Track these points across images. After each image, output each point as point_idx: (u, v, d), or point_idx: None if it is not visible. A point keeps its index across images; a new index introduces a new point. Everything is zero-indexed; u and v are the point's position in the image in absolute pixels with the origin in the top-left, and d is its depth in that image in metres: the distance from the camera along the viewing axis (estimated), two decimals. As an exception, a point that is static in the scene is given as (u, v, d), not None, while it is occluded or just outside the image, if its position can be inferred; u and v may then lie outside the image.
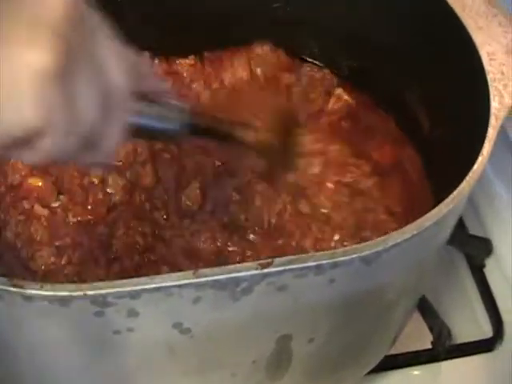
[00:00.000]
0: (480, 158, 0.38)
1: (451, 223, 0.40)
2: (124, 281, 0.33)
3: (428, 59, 0.50)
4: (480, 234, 0.59)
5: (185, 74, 0.61)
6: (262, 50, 0.60)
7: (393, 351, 0.51)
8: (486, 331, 0.55)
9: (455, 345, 0.54)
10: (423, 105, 0.52)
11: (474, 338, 0.55)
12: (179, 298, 0.34)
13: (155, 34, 0.60)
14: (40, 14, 0.29)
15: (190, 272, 0.34)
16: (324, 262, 0.34)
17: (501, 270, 0.57)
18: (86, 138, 0.30)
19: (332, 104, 0.58)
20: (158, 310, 0.35)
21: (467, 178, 0.37)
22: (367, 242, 0.34)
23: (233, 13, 0.59)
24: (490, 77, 0.43)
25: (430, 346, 0.54)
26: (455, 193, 0.37)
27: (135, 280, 0.33)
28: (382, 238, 0.35)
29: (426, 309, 0.54)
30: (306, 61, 0.60)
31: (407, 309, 0.45)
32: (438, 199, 0.38)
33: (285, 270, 0.34)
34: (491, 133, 0.40)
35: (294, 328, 0.39)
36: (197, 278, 0.34)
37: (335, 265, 0.34)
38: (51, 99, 0.28)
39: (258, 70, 0.60)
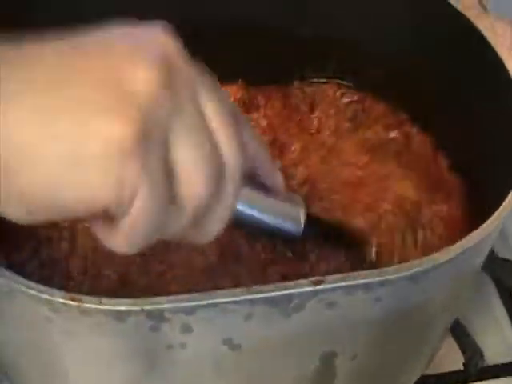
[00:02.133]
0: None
1: (490, 243, 0.41)
2: (180, 296, 0.34)
3: (470, 88, 0.52)
4: (507, 257, 0.60)
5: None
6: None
7: (426, 372, 0.52)
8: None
9: (487, 366, 0.55)
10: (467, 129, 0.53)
11: (504, 360, 0.55)
12: (232, 314, 0.35)
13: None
14: (126, 78, 0.26)
15: (245, 289, 0.34)
16: (373, 280, 0.35)
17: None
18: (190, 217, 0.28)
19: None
20: (211, 326, 0.36)
21: (509, 197, 0.38)
22: (415, 261, 0.35)
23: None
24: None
25: (461, 368, 0.54)
26: (496, 214, 0.38)
27: (191, 296, 0.34)
28: (431, 256, 0.36)
29: (458, 330, 0.54)
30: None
31: (445, 327, 0.46)
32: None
33: (336, 288, 0.35)
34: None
35: (339, 345, 0.39)
36: (251, 294, 0.34)
37: (383, 284, 0.35)
38: (125, 173, 0.26)
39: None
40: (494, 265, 0.59)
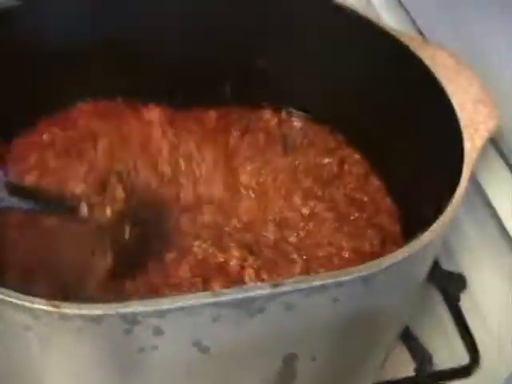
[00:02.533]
0: (458, 190, 0.43)
1: (432, 252, 0.45)
2: (151, 300, 0.37)
3: (409, 113, 0.56)
4: (452, 269, 0.64)
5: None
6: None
7: (379, 379, 0.55)
8: (463, 359, 0.59)
9: (437, 371, 0.59)
10: (404, 152, 0.57)
11: (452, 365, 0.59)
12: (199, 316, 0.38)
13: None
14: None
15: (209, 292, 0.38)
16: (329, 281, 0.39)
17: (474, 303, 0.61)
18: None
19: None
20: (180, 329, 0.39)
21: (453, 200, 0.42)
22: (366, 263, 0.39)
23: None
24: (462, 123, 0.49)
25: (412, 373, 0.58)
26: (441, 218, 0.42)
27: (161, 299, 0.37)
28: (379, 260, 0.39)
29: (408, 337, 0.58)
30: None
31: (396, 332, 0.50)
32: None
33: (293, 290, 0.38)
34: (465, 171, 0.46)
35: (299, 347, 0.43)
36: (216, 297, 0.38)
37: (339, 284, 0.39)
38: None
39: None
40: (440, 277, 0.63)
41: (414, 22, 0.69)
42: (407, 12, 0.70)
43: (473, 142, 0.47)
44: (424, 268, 0.46)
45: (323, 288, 0.39)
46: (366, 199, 0.59)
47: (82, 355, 0.40)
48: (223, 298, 0.38)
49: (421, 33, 0.67)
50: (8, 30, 0.57)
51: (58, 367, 0.41)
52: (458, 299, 0.63)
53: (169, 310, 0.37)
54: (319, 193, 0.59)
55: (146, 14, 0.61)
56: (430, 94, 0.52)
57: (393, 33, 0.57)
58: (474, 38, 0.57)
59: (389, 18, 0.72)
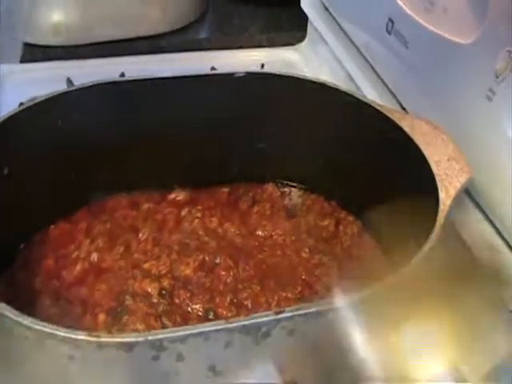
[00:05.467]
0: (432, 236, 0.51)
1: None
2: (176, 328, 0.45)
3: (390, 172, 0.64)
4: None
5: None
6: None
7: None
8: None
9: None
10: (390, 209, 0.65)
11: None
12: (215, 342, 0.45)
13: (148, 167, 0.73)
14: None
15: (223, 320, 0.45)
16: (323, 308, 0.46)
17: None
18: None
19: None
20: (198, 355, 0.46)
21: (429, 239, 0.50)
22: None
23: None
24: (437, 178, 0.57)
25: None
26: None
27: (184, 327, 0.45)
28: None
29: None
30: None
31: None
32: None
33: (293, 316, 0.46)
34: (440, 216, 0.53)
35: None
36: (229, 324, 0.45)
37: (332, 310, 0.46)
38: None
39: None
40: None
41: (393, 95, 0.77)
42: (385, 83, 0.80)
43: (447, 193, 0.55)
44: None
45: (318, 314, 0.46)
46: (361, 253, 0.67)
47: (115, 380, 0.47)
48: (234, 324, 0.45)
49: (400, 104, 0.76)
50: (47, 123, 0.66)
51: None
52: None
53: (190, 335, 0.44)
54: (322, 247, 0.67)
55: (167, 113, 0.71)
56: (410, 157, 0.61)
57: (376, 107, 0.65)
58: (451, 109, 0.65)
59: (368, 89, 0.81)
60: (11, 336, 0.47)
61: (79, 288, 0.64)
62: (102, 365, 0.46)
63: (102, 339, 0.44)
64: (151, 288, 0.63)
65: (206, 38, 1.18)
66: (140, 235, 0.69)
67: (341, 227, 0.70)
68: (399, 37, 0.74)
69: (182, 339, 0.44)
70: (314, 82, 0.70)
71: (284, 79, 0.71)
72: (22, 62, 1.11)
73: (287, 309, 0.45)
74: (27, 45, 1.13)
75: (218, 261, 0.66)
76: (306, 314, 0.46)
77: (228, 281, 0.64)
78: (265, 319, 0.45)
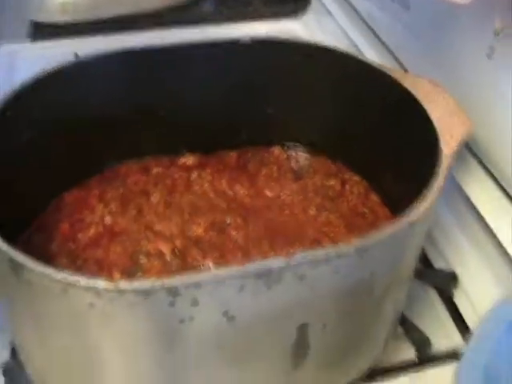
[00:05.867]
0: (436, 183, 0.53)
1: (423, 228, 0.54)
2: (191, 273, 0.47)
3: (393, 131, 0.66)
4: (442, 267, 0.73)
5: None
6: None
7: (382, 365, 0.64)
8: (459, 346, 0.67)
9: (436, 354, 0.66)
10: (394, 166, 0.67)
11: (449, 349, 0.67)
12: (229, 287, 0.48)
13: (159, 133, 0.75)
14: None
15: (237, 265, 0.47)
16: (330, 252, 0.48)
17: (467, 296, 0.70)
18: None
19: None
20: (213, 299, 0.48)
21: (432, 188, 0.52)
22: (359, 239, 0.49)
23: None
24: (439, 132, 0.59)
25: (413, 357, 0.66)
26: (421, 204, 0.52)
27: (199, 273, 0.47)
28: (371, 234, 0.49)
29: (407, 325, 0.66)
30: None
31: (394, 307, 0.58)
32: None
33: (302, 262, 0.48)
34: (443, 166, 0.55)
35: (310, 316, 0.51)
36: (242, 268, 0.47)
37: (338, 255, 0.48)
38: None
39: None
40: (433, 276, 0.73)
41: (395, 58, 0.79)
42: (388, 48, 0.81)
43: (449, 145, 0.57)
44: (411, 246, 0.55)
45: (327, 259, 0.48)
46: (366, 211, 0.68)
47: (133, 328, 0.48)
48: (247, 269, 0.47)
49: (402, 66, 0.77)
50: (58, 90, 0.68)
51: (113, 341, 0.50)
52: (451, 295, 0.71)
53: (205, 280, 0.47)
54: (328, 206, 0.69)
55: (176, 81, 0.73)
56: (412, 114, 0.62)
57: (378, 67, 0.67)
58: (450, 65, 0.67)
59: (372, 55, 0.83)
60: (34, 288, 0.49)
61: (95, 249, 0.66)
62: (121, 312, 0.48)
63: (121, 286, 0.46)
64: (164, 248, 0.65)
65: (210, 12, 1.20)
66: (152, 199, 0.71)
67: (347, 187, 0.72)
68: (401, 1, 0.76)
69: (197, 284, 0.46)
70: (318, 46, 0.72)
71: (288, 44, 0.73)
72: (31, 40, 1.13)
73: (297, 254, 0.47)
74: (36, 23, 1.15)
75: (228, 221, 0.68)
76: (315, 259, 0.47)
77: (238, 239, 0.66)
78: (276, 264, 0.47)
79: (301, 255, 0.47)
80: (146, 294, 0.46)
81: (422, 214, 0.52)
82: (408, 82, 0.65)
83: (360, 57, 0.70)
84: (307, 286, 0.49)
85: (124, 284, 0.46)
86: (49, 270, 0.47)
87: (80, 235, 0.68)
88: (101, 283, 0.46)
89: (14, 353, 0.64)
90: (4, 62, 1.07)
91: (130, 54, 0.71)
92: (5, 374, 0.63)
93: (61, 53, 0.67)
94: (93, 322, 0.49)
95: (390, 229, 0.50)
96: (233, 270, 0.47)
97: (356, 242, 0.48)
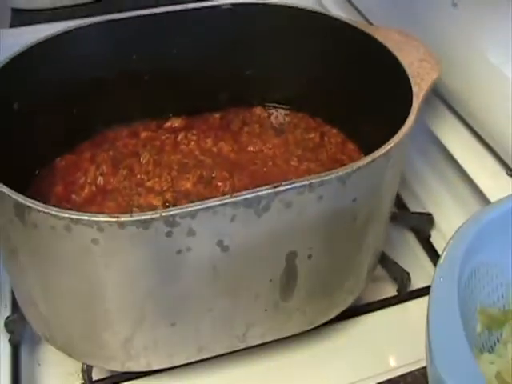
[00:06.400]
0: (409, 117, 0.57)
1: (397, 160, 0.58)
2: (187, 204, 0.51)
3: (367, 82, 0.70)
4: (418, 210, 0.78)
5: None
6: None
7: (365, 301, 0.68)
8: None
9: (416, 289, 0.71)
10: (370, 113, 0.71)
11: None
12: (222, 216, 0.51)
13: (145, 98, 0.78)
14: None
15: (229, 195, 0.51)
16: (314, 181, 0.52)
17: (443, 235, 0.75)
18: None
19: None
20: (207, 229, 0.52)
21: (405, 123, 0.56)
22: (342, 167, 0.53)
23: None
24: (410, 76, 0.63)
25: (395, 293, 0.71)
26: (396, 136, 0.56)
27: (193, 204, 0.51)
28: (351, 164, 0.53)
29: (387, 262, 0.71)
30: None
31: (375, 241, 0.62)
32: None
33: (289, 189, 0.52)
34: (415, 106, 0.60)
35: (297, 244, 0.55)
36: (234, 198, 0.51)
37: (321, 183, 0.52)
38: None
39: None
40: (410, 219, 0.77)
41: (364, 17, 0.83)
42: (356, 8, 0.86)
43: (420, 87, 0.61)
44: (387, 176, 0.58)
45: (311, 186, 0.52)
46: (344, 158, 0.73)
47: (133, 260, 0.52)
48: (238, 198, 0.51)
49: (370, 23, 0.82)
50: (47, 60, 0.71)
51: (116, 273, 0.53)
52: (428, 236, 0.75)
53: (200, 210, 0.50)
54: (309, 156, 0.73)
55: (160, 47, 0.77)
56: (384, 62, 0.67)
57: (350, 22, 0.71)
58: (417, 17, 0.71)
59: (338, 11, 0.88)
60: (39, 230, 0.52)
61: (89, 207, 0.70)
62: (122, 245, 0.51)
63: (122, 219, 0.49)
64: (156, 201, 0.69)
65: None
66: (141, 159, 0.75)
67: (325, 138, 0.76)
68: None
69: (193, 214, 0.50)
70: (291, 7, 0.75)
71: (263, 7, 0.77)
72: (11, 26, 1.15)
73: (283, 183, 0.51)
74: (15, 10, 1.17)
75: (214, 175, 0.72)
76: (300, 186, 0.51)
77: (225, 190, 0.70)
78: (264, 192, 0.51)
79: (287, 183, 0.51)
80: (146, 225, 0.50)
81: (396, 145, 0.56)
82: (379, 34, 0.69)
83: (332, 15, 0.74)
84: (294, 213, 0.53)
85: (125, 217, 0.49)
86: (54, 210, 0.50)
87: (74, 196, 0.71)
88: (103, 218, 0.49)
89: (14, 309, 0.67)
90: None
91: (116, 22, 0.75)
92: (8, 329, 0.65)
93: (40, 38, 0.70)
94: (96, 257, 0.52)
95: (368, 158, 0.53)
96: (224, 199, 0.50)
97: (338, 171, 0.52)
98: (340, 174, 0.52)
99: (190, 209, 0.50)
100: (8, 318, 0.66)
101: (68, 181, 0.73)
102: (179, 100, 0.80)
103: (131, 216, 0.50)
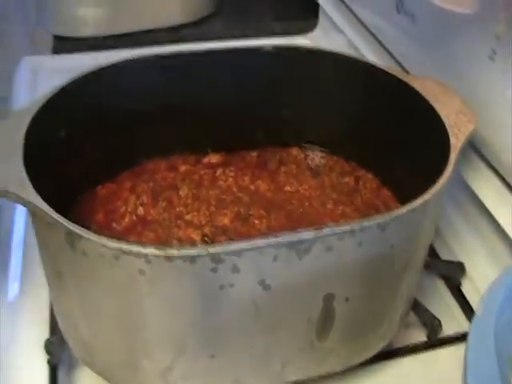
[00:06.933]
0: (448, 168, 0.59)
1: (434, 211, 0.59)
2: (233, 241, 0.53)
3: (404, 130, 0.73)
4: (449, 259, 0.79)
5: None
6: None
7: (395, 345, 0.70)
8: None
9: (446, 336, 0.72)
10: (406, 161, 0.73)
11: (458, 334, 0.72)
12: (265, 255, 0.53)
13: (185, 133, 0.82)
14: None
15: (274, 235, 0.53)
16: (355, 227, 0.54)
17: (474, 285, 0.76)
18: None
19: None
20: (251, 268, 0.54)
21: (444, 172, 0.58)
22: (382, 215, 0.55)
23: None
24: (448, 126, 0.65)
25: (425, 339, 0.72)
26: (434, 186, 0.58)
27: (240, 242, 0.53)
28: (390, 212, 0.55)
29: (419, 308, 0.72)
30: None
31: (409, 288, 0.64)
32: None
33: (331, 233, 0.54)
34: (452, 157, 0.62)
35: (335, 287, 0.57)
36: (277, 238, 0.53)
37: (362, 229, 0.54)
38: None
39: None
40: (440, 266, 0.79)
41: (401, 66, 0.86)
42: (394, 57, 0.88)
43: (457, 138, 0.63)
44: (424, 225, 0.60)
45: (352, 232, 0.54)
46: (379, 204, 0.75)
47: (178, 292, 0.54)
48: (281, 239, 0.53)
49: (407, 72, 0.84)
50: (95, 90, 0.74)
51: (159, 303, 0.55)
52: (459, 284, 0.77)
53: (245, 249, 0.52)
54: (344, 200, 0.75)
55: (206, 86, 0.80)
56: (421, 112, 0.69)
57: (388, 70, 0.74)
58: (453, 67, 0.74)
59: (375, 59, 0.91)
60: (88, 257, 0.54)
61: (129, 236, 0.72)
62: (168, 277, 0.53)
63: (170, 252, 0.52)
64: (195, 235, 0.71)
65: (223, 27, 1.26)
66: (180, 192, 0.77)
67: (360, 183, 0.78)
68: (408, 14, 0.83)
69: (238, 252, 0.52)
70: (331, 53, 0.78)
71: (304, 51, 0.80)
72: (53, 53, 1.19)
73: (325, 227, 0.53)
74: (58, 37, 1.21)
75: (251, 212, 0.74)
76: (341, 231, 0.53)
77: (261, 228, 0.73)
78: (306, 235, 0.53)
79: (329, 228, 0.53)
80: (192, 260, 0.52)
81: (434, 195, 0.58)
82: (417, 84, 0.71)
83: (373, 63, 0.76)
84: (334, 257, 0.55)
85: (172, 251, 0.52)
86: (104, 239, 0.52)
87: (114, 224, 0.73)
88: (152, 250, 0.51)
89: (52, 331, 0.69)
90: (27, 75, 1.13)
91: (162, 58, 0.77)
92: (47, 350, 0.68)
93: (81, 66, 0.73)
94: (141, 286, 0.54)
95: (407, 206, 0.55)
96: (269, 239, 0.52)
97: (378, 218, 0.54)
98: (380, 221, 0.54)
99: (235, 247, 0.52)
100: (48, 339, 0.67)
101: (109, 209, 0.75)
102: (218, 136, 0.83)
103: (179, 250, 0.52)
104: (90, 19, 1.22)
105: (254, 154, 0.83)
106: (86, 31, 1.23)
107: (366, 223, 0.54)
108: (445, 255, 0.81)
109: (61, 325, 0.66)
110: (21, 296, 0.75)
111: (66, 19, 1.24)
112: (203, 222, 0.73)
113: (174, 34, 1.26)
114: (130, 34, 1.22)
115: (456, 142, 0.63)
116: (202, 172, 0.80)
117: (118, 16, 1.23)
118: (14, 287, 0.76)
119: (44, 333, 0.70)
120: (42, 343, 0.68)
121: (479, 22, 0.67)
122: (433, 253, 0.80)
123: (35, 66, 1.16)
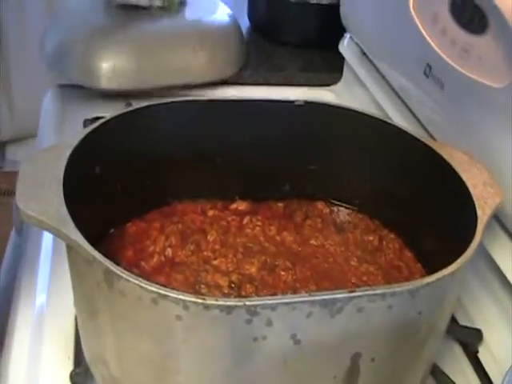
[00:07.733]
0: (475, 240, 0.62)
1: (459, 279, 0.62)
2: (269, 296, 0.55)
3: (430, 196, 0.75)
4: (467, 324, 0.81)
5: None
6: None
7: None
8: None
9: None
10: (430, 227, 0.75)
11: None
12: (299, 312, 0.55)
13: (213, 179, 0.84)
14: None
15: (308, 293, 0.56)
16: (387, 291, 0.57)
17: (491, 352, 0.77)
18: None
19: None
20: (284, 322, 0.55)
21: (472, 243, 0.60)
22: (414, 281, 0.57)
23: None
24: (474, 198, 0.68)
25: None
26: (462, 256, 0.60)
27: (276, 296, 0.55)
28: (421, 279, 0.58)
29: (437, 373, 0.74)
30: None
31: (430, 353, 0.65)
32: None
33: (363, 295, 0.56)
34: (479, 229, 0.64)
35: (363, 346, 0.59)
36: (312, 296, 0.56)
37: (393, 294, 0.57)
38: None
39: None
40: (458, 332, 0.80)
41: (427, 132, 0.89)
42: (418, 120, 0.91)
43: (483, 210, 0.66)
44: (450, 293, 0.62)
45: (383, 295, 0.56)
46: (402, 265, 0.77)
47: (212, 340, 0.56)
48: (316, 298, 0.55)
49: (432, 137, 0.87)
50: (132, 133, 0.77)
51: (193, 349, 0.56)
52: (476, 351, 0.78)
53: (280, 304, 0.54)
54: (368, 258, 0.78)
55: (237, 135, 0.83)
56: (449, 181, 0.71)
57: (418, 137, 0.76)
58: (483, 143, 0.76)
59: (399, 118, 0.94)
60: (125, 298, 0.56)
61: (158, 276, 0.74)
62: (204, 325, 0.55)
63: (208, 301, 0.54)
64: (222, 281, 0.74)
65: (248, 75, 1.28)
66: (208, 237, 0.79)
67: (384, 242, 0.81)
68: (436, 80, 0.85)
69: (273, 307, 0.54)
70: (363, 113, 0.81)
71: (335, 109, 0.83)
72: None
73: (358, 289, 0.56)
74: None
75: (277, 263, 0.76)
76: (373, 294, 0.56)
77: (287, 280, 0.75)
78: (340, 296, 0.55)
79: (362, 290, 0.55)
80: (229, 310, 0.54)
81: (462, 266, 0.60)
82: (446, 152, 0.74)
83: (402, 127, 0.78)
84: (364, 318, 0.57)
85: (211, 300, 0.54)
86: (143, 282, 0.54)
87: (143, 263, 0.75)
88: (190, 297, 0.54)
89: (76, 363, 0.71)
90: (55, 123, 1.15)
91: (195, 103, 0.80)
92: (72, 381, 0.69)
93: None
94: (177, 331, 0.56)
95: (437, 275, 0.58)
96: (304, 296, 0.55)
97: (409, 284, 0.56)
98: (411, 287, 0.56)
99: (271, 301, 0.54)
100: (74, 370, 0.69)
101: (138, 247, 0.78)
102: (245, 185, 0.85)
103: (217, 300, 0.54)
104: (115, 72, 1.18)
105: (281, 204, 0.85)
106: (110, 84, 1.18)
107: (397, 288, 0.56)
108: (463, 321, 0.82)
109: (88, 359, 0.67)
110: (46, 323, 0.78)
111: (91, 71, 1.17)
112: (230, 269, 0.75)
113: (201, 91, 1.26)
114: (157, 89, 1.21)
115: (482, 214, 0.65)
116: (229, 218, 0.82)
117: (145, 70, 1.20)
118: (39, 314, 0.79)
119: (67, 364, 0.72)
120: (67, 373, 0.70)
121: (508, 97, 0.69)
122: (451, 318, 0.81)
123: (64, 118, 1.17)
